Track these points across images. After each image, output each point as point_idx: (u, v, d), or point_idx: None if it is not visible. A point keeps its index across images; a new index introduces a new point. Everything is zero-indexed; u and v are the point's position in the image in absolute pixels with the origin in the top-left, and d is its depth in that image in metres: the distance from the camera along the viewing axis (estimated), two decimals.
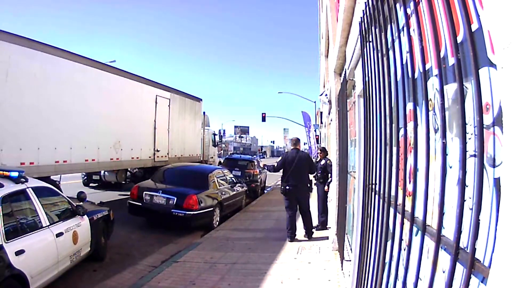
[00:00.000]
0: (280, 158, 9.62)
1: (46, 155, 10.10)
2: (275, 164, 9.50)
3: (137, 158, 14.70)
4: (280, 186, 9.38)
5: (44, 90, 10.15)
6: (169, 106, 16.99)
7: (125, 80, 14.09)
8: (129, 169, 15.97)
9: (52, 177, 10.41)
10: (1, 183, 4.98)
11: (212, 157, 24.08)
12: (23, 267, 4.54)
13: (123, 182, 16.37)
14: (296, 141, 9.78)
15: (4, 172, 5.24)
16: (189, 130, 19.44)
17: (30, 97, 9.70)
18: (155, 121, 15.77)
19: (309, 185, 9.53)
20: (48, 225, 5.42)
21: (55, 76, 10.56)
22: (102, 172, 15.55)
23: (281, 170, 9.33)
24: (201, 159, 21.28)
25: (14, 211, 4.92)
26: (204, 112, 22.04)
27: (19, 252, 4.53)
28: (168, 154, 16.90)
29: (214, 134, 25.59)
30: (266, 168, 10.47)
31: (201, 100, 21.22)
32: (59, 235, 5.57)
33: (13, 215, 4.87)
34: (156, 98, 15.92)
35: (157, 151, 15.95)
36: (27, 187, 5.39)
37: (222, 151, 36.30)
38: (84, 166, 12.05)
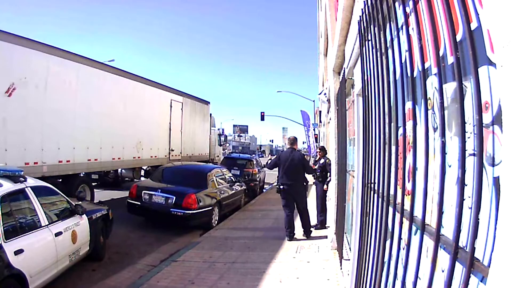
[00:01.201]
0: (274, 156, 9.61)
1: (80, 154, 11.56)
2: (268, 161, 9.56)
3: (155, 156, 16.23)
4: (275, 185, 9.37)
5: (78, 97, 11.54)
6: (181, 109, 18.60)
7: (145, 86, 15.68)
8: (143, 167, 17.10)
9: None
10: (0, 183, 4.97)
11: (218, 156, 25.53)
12: (22, 267, 4.53)
13: (138, 179, 17.34)
14: (293, 141, 9.78)
15: (3, 172, 5.23)
16: (198, 131, 21.16)
17: (66, 103, 11.07)
18: (170, 123, 17.37)
19: (305, 184, 9.54)
20: (47, 225, 5.40)
21: (87, 84, 11.94)
22: (120, 169, 16.46)
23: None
24: (209, 157, 22.90)
25: (13, 210, 4.91)
26: (210, 114, 23.74)
27: (18, 252, 4.52)
28: (181, 153, 18.52)
29: (220, 135, 27.35)
30: (266, 165, 10.48)
31: (209, 103, 23.04)
32: (58, 234, 5.55)
33: (12, 215, 4.85)
34: (171, 102, 17.54)
35: (172, 150, 17.59)
36: (26, 187, 5.38)
37: (226, 150, 38.53)
38: (112, 164, 13.62)
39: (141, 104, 15.19)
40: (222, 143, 28.97)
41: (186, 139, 19.21)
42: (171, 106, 17.52)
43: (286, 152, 9.43)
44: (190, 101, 19.94)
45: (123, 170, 16.89)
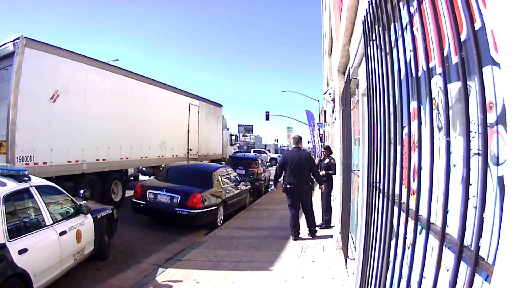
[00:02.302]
0: (280, 157, 9.51)
1: (114, 153, 12.98)
2: (276, 171, 9.53)
3: (176, 155, 17.56)
4: (282, 184, 9.34)
5: (111, 102, 12.94)
6: (198, 112, 20.20)
7: (168, 92, 17.20)
8: (162, 165, 17.68)
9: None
10: (3, 182, 4.98)
11: (229, 155, 26.58)
12: (26, 266, 4.55)
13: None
14: (298, 140, 9.79)
15: (7, 171, 5.26)
16: (213, 132, 22.85)
17: (102, 108, 12.41)
18: (188, 125, 18.86)
19: (311, 183, 9.53)
20: (51, 224, 5.42)
21: (119, 91, 13.37)
22: (141, 167, 17.81)
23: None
24: (221, 156, 24.42)
25: (17, 209, 4.93)
26: (223, 116, 25.39)
27: (22, 251, 4.54)
28: (197, 152, 20.04)
29: (231, 135, 29.90)
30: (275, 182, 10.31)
31: (222, 106, 24.75)
32: (62, 233, 5.57)
33: (16, 214, 4.88)
34: (189, 106, 19.08)
35: (190, 150, 19.12)
36: (30, 186, 5.40)
37: (237, 149, 41.41)
38: (140, 162, 15.21)
39: (164, 108, 16.64)
40: (233, 143, 31.49)
41: (202, 139, 20.71)
42: (189, 110, 19.03)
43: (293, 152, 9.41)
44: (205, 104, 21.56)
45: (143, 168, 18.18)
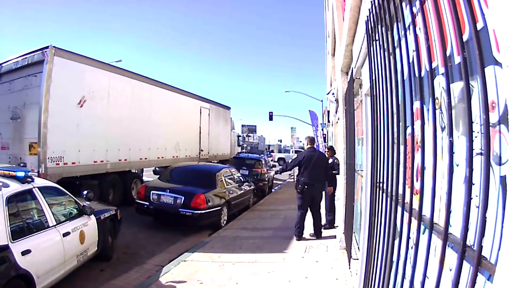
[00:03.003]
0: (295, 156, 9.37)
1: (134, 154, 14.13)
2: (285, 166, 9.48)
3: (189, 156, 18.75)
4: (296, 184, 9.23)
5: (132, 107, 14.09)
6: (208, 115, 21.49)
7: (182, 96, 18.46)
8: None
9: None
10: (6, 183, 4.98)
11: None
12: (29, 267, 4.55)
13: None
14: (313, 140, 9.88)
15: (10, 172, 5.26)
16: (222, 133, 24.27)
17: (123, 112, 13.56)
18: (200, 127, 20.30)
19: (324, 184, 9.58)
20: (54, 225, 5.43)
21: (140, 96, 14.68)
22: (155, 167, 18.74)
23: (296, 168, 9.32)
24: (230, 157, 25.18)
25: (20, 211, 4.92)
26: (231, 118, 26.85)
27: (25, 252, 4.54)
28: (208, 153, 21.34)
29: (238, 136, 32.04)
30: (278, 171, 10.20)
31: (230, 108, 26.23)
32: (66, 234, 5.58)
33: (19, 215, 4.88)
34: (200, 109, 20.48)
35: (201, 150, 20.43)
36: (34, 187, 5.40)
37: (244, 150, 43.60)
38: (157, 162, 16.21)
39: (178, 111, 17.93)
40: (240, 144, 33.98)
41: (212, 141, 22.00)
42: (200, 113, 20.43)
43: (310, 152, 9.39)
44: (215, 107, 22.92)
45: (157, 168, 18.78)
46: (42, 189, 5.61)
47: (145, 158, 15.02)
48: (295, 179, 9.24)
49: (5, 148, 11.40)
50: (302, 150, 9.44)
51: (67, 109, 11.09)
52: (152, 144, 15.49)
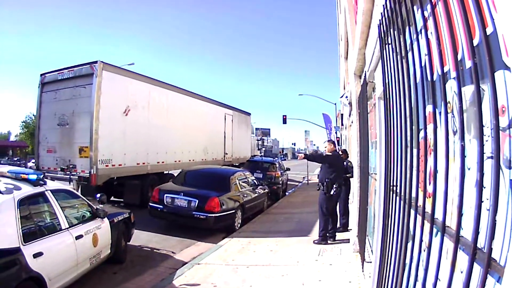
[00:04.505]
0: (330, 156, 9.22)
1: (169, 157, 15.97)
2: (312, 156, 9.32)
3: (215, 159, 20.72)
4: (326, 186, 8.88)
5: (168, 115, 15.91)
6: (232, 121, 23.51)
7: (209, 104, 20.47)
8: None
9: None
10: (18, 186, 5.00)
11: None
12: (41, 269, 4.58)
13: None
14: (334, 143, 9.95)
15: (23, 175, 5.29)
16: (243, 138, 26.17)
17: (161, 120, 15.36)
18: (224, 132, 22.28)
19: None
20: (67, 228, 5.46)
21: (175, 105, 16.46)
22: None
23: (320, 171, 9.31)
24: None
25: (32, 213, 4.94)
26: (251, 123, 28.94)
27: (37, 255, 4.56)
28: (232, 156, 23.23)
29: (258, 140, 35.35)
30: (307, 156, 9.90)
31: (250, 114, 28.41)
32: (78, 237, 5.62)
33: (31, 218, 4.89)
34: (225, 116, 22.48)
35: (226, 154, 22.35)
36: (46, 190, 5.43)
37: (263, 153, 45.56)
38: (188, 164, 16.94)
39: (206, 118, 19.80)
40: (259, 148, 37.29)
41: (235, 145, 23.95)
42: (225, 119, 22.41)
43: (338, 156, 9.57)
44: (237, 113, 24.98)
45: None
46: (54, 192, 5.66)
47: (179, 161, 16.63)
48: (319, 182, 9.08)
49: (51, 151, 13.10)
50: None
51: (115, 117, 12.67)
52: (185, 148, 17.25)
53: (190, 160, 17.63)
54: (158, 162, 15.10)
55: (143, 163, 14.18)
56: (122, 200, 13.82)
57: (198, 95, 19.37)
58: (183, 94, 17.42)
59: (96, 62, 12.04)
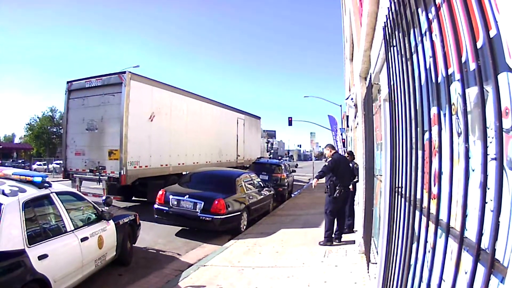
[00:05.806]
0: (330, 162, 9.20)
1: (189, 159, 17.45)
2: (323, 172, 9.21)
3: (229, 160, 22.31)
4: (331, 188, 8.91)
5: (187, 120, 17.44)
6: (243, 124, 25.18)
7: (223, 109, 22.02)
8: None
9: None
10: (23, 188, 5.02)
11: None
12: (46, 271, 4.59)
13: None
14: (333, 146, 10.17)
15: (27, 177, 5.31)
16: (253, 141, 27.83)
17: (181, 125, 16.89)
18: (237, 135, 23.93)
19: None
20: (72, 230, 5.48)
21: (193, 111, 18.02)
22: None
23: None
24: None
25: (37, 215, 4.96)
26: (260, 126, 30.69)
27: (42, 257, 4.58)
28: (243, 158, 25.02)
29: (267, 143, 37.05)
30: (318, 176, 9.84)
31: (260, 118, 30.01)
32: (84, 239, 5.64)
33: (36, 220, 4.91)
34: (237, 120, 24.10)
35: (238, 156, 24.12)
36: (51, 192, 5.45)
37: (272, 155, 47.51)
38: (205, 165, 18.17)
39: (221, 122, 21.30)
40: (268, 150, 38.74)
41: (246, 147, 25.68)
42: (237, 123, 23.98)
43: (342, 157, 9.64)
44: (248, 117, 26.61)
45: None
46: (60, 194, 5.68)
47: (197, 162, 18.00)
48: (327, 184, 9.06)
49: (79, 154, 14.26)
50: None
51: (141, 123, 13.96)
52: (202, 151, 18.79)
53: (206, 162, 19.03)
54: (178, 164, 16.45)
55: (166, 165, 15.51)
56: (145, 199, 14.32)
57: (213, 101, 20.72)
58: (200, 100, 18.88)
59: (124, 72, 13.51)
